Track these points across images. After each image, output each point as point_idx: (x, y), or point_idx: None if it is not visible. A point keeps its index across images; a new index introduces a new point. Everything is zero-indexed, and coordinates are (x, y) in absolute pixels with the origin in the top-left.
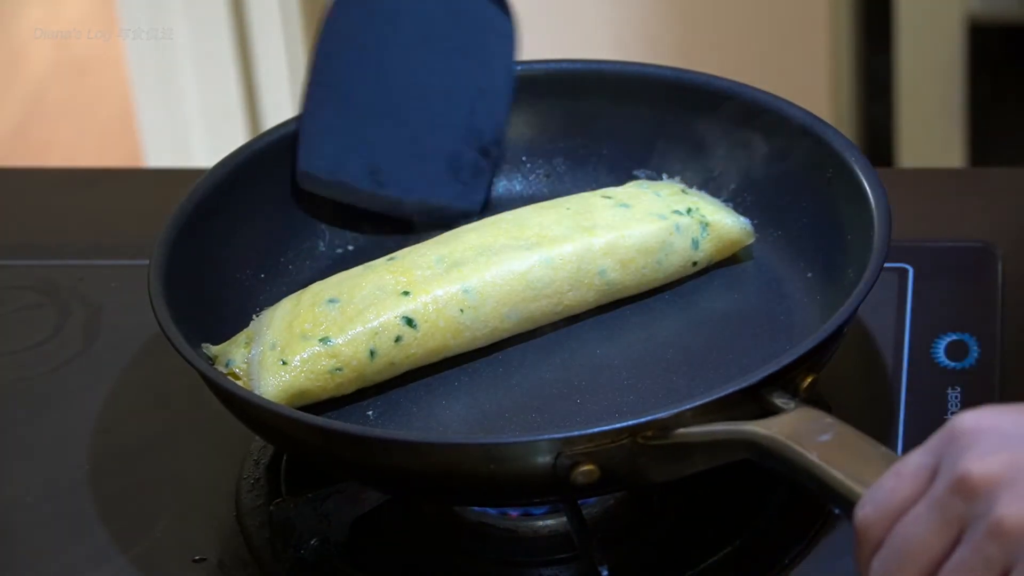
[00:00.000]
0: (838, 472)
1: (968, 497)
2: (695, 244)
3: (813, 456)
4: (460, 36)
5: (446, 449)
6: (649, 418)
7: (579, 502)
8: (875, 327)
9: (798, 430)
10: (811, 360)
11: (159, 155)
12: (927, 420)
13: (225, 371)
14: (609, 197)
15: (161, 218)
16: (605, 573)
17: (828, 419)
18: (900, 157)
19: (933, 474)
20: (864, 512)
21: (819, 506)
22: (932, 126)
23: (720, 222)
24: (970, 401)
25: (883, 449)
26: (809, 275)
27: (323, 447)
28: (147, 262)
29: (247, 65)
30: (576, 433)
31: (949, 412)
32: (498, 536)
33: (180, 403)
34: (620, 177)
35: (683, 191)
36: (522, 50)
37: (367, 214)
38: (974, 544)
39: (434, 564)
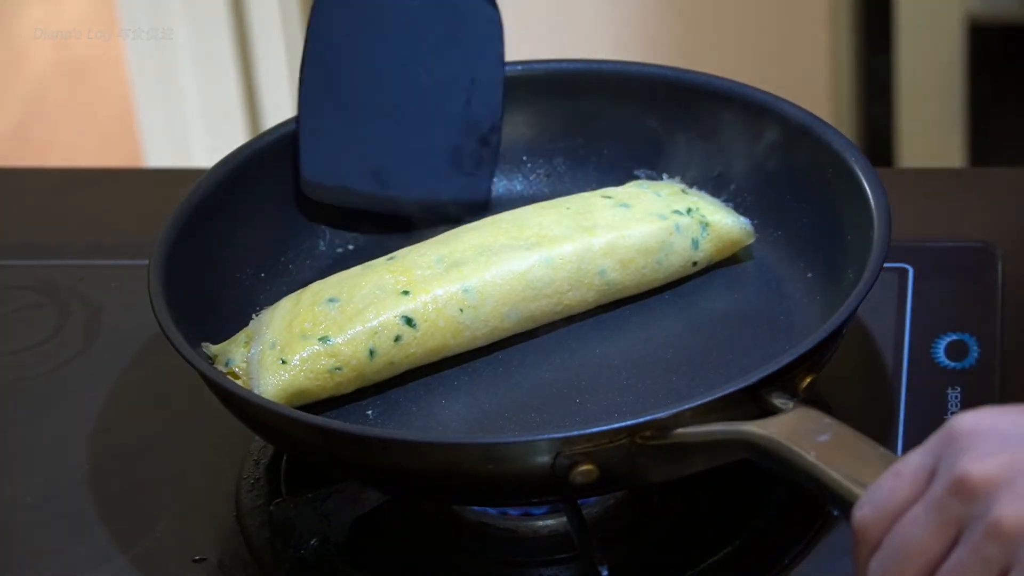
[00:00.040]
0: (836, 473)
1: (966, 498)
2: (695, 244)
3: (811, 456)
4: (446, 29)
5: (445, 449)
6: (648, 418)
7: (579, 502)
8: (875, 327)
9: (796, 430)
10: (811, 360)
11: (159, 155)
12: (927, 420)
13: (225, 370)
14: (609, 197)
15: (161, 218)
16: (605, 573)
17: (827, 419)
18: (900, 157)
19: (932, 475)
20: (862, 513)
21: (818, 506)
22: (932, 126)
23: (720, 222)
24: (970, 401)
25: (881, 450)
26: (809, 275)
27: (323, 447)
28: (147, 262)
29: (247, 65)
30: (575, 433)
31: (949, 412)
32: (498, 536)
33: (180, 403)
34: (620, 177)
35: (683, 191)
36: (522, 50)
37: (367, 214)
38: (972, 545)
39: (434, 564)
